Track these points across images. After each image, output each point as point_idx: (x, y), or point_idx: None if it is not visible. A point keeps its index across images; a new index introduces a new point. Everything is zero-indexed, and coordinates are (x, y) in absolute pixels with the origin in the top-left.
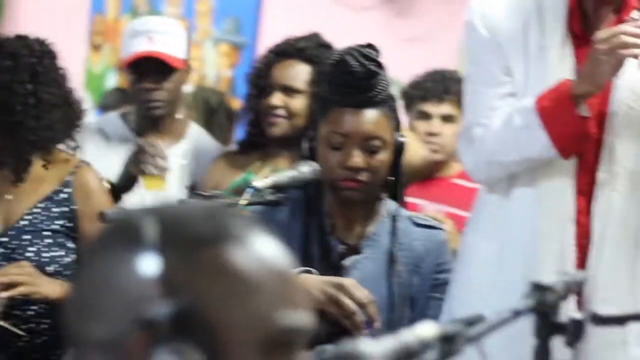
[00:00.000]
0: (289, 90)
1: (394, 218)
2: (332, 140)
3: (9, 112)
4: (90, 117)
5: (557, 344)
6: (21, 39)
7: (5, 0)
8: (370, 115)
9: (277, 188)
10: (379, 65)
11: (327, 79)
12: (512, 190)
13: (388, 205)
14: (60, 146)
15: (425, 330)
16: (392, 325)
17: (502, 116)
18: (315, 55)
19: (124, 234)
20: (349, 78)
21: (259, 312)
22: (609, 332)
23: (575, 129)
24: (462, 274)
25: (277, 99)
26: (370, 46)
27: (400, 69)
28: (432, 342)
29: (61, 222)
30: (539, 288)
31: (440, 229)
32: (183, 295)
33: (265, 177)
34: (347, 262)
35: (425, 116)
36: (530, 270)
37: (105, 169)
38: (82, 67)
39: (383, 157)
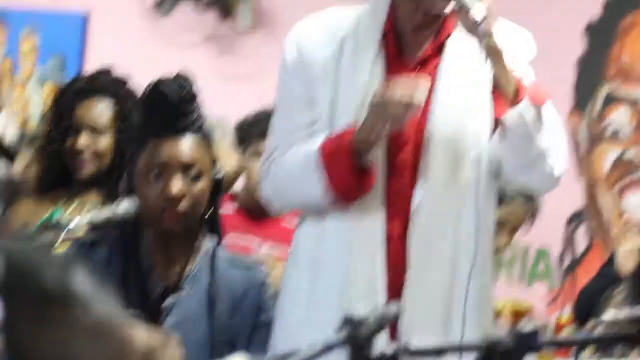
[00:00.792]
0: (94, 130)
1: (213, 257)
2: (151, 170)
3: None
4: None
5: None
6: None
7: None
8: (188, 142)
9: (93, 227)
10: (194, 92)
11: (141, 109)
12: (325, 222)
13: (208, 243)
14: None
15: None
16: None
17: (294, 155)
18: (116, 91)
19: None
20: (164, 105)
21: None
22: None
23: (353, 179)
24: (281, 310)
25: (83, 140)
26: (182, 76)
27: (226, 107)
28: None
29: None
30: (351, 321)
31: (259, 270)
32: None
33: (76, 214)
34: (167, 302)
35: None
36: (343, 304)
37: None
38: None
39: (202, 185)
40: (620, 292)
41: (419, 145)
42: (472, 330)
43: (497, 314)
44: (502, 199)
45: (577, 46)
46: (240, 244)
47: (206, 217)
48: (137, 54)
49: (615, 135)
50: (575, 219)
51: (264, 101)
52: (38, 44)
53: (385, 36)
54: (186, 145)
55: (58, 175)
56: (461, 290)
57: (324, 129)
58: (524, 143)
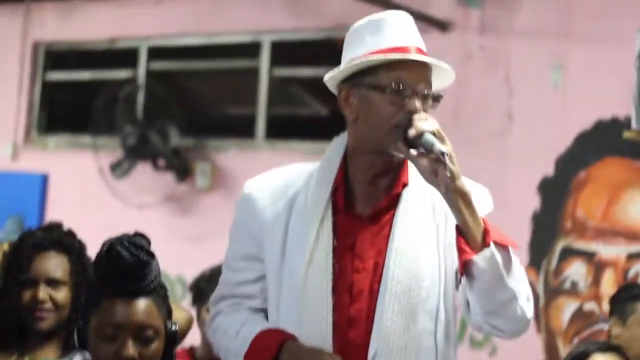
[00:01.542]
0: (52, 283)
1: None
2: (105, 331)
3: None
4: None
5: None
6: None
7: None
8: (143, 304)
9: None
10: (149, 253)
11: (96, 269)
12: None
13: None
14: None
15: None
16: None
17: (233, 327)
18: (70, 244)
19: None
20: (119, 268)
21: None
22: None
23: None
24: None
25: (43, 292)
26: (139, 235)
27: (185, 266)
28: None
29: None
30: None
31: None
32: None
33: None
34: None
35: None
36: None
37: None
38: None
39: (156, 346)
40: None
41: (374, 296)
42: None
43: None
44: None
45: (531, 202)
46: None
47: None
48: (96, 214)
49: (573, 288)
50: None
51: (222, 259)
52: None
53: (335, 191)
54: (140, 308)
55: (11, 330)
56: None
57: (272, 285)
58: (495, 286)
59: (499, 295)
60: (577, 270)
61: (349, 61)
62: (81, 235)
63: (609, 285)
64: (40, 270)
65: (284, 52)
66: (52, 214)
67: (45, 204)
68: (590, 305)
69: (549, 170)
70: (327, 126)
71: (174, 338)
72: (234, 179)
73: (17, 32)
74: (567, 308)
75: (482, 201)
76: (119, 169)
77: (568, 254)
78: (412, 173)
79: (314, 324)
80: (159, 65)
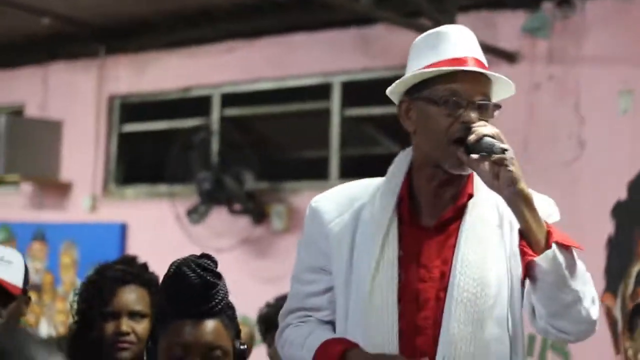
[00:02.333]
0: (134, 315)
1: None
2: (174, 352)
3: None
4: None
5: None
6: None
7: None
8: (211, 325)
9: None
10: (216, 275)
11: (164, 290)
12: None
13: None
14: None
15: None
16: None
17: (300, 339)
18: (148, 277)
19: None
20: (187, 290)
21: None
22: None
23: None
24: None
25: (125, 325)
26: (206, 256)
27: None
28: None
29: None
30: None
31: None
32: None
33: None
34: None
35: None
36: None
37: None
38: None
39: None
40: None
41: (441, 304)
42: None
43: None
44: None
45: (605, 228)
46: None
47: None
48: (174, 259)
49: None
50: None
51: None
52: (78, 256)
53: (400, 203)
54: (208, 328)
55: None
56: None
57: (340, 295)
58: (558, 287)
59: (563, 296)
60: None
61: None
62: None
63: None
64: (122, 303)
65: (355, 92)
66: None
67: (124, 252)
68: None
69: (622, 194)
70: None
71: (242, 358)
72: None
73: (92, 87)
74: None
75: (547, 208)
76: (195, 214)
77: None
78: (478, 184)
79: (380, 333)
80: (232, 111)
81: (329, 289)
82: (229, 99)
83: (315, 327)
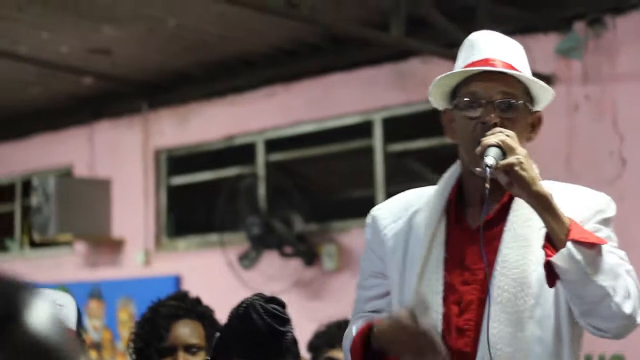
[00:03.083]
0: (190, 349)
1: None
2: None
3: None
4: None
5: None
6: None
7: None
8: None
9: None
10: (283, 321)
11: (229, 328)
12: None
13: None
14: None
15: None
16: None
17: (353, 328)
18: (202, 311)
19: None
20: (252, 334)
21: None
22: None
23: None
24: None
25: (182, 358)
26: (275, 300)
27: None
28: None
29: None
30: None
31: None
32: None
33: None
34: None
35: None
36: None
37: None
38: None
39: None
40: None
41: (483, 307)
42: None
43: None
44: None
45: None
46: None
47: None
48: (228, 306)
49: None
50: None
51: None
52: (134, 311)
53: (449, 206)
54: None
55: None
56: None
57: (394, 297)
58: (581, 285)
59: (588, 294)
60: None
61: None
62: None
63: None
64: (178, 338)
65: (396, 127)
66: None
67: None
68: None
69: None
70: None
71: None
72: (359, 258)
73: (137, 142)
74: None
75: (593, 205)
76: (246, 260)
77: None
78: None
79: None
80: (277, 156)
81: (388, 293)
82: (272, 144)
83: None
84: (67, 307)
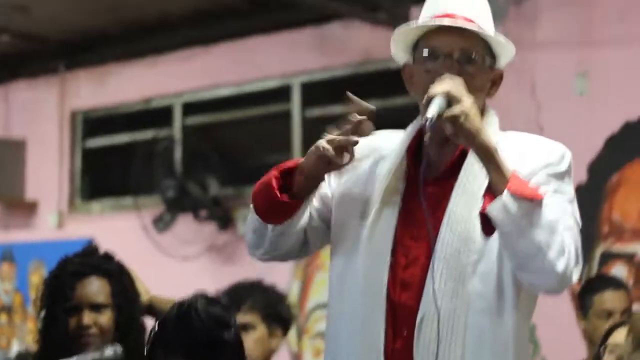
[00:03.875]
0: (96, 307)
1: None
2: None
3: None
4: None
5: None
6: None
7: None
8: None
9: None
10: (224, 324)
11: (164, 330)
12: (331, 323)
13: None
14: None
15: None
16: None
17: None
18: (108, 268)
19: None
20: (190, 337)
21: None
22: None
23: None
24: None
25: (87, 318)
26: (216, 302)
27: None
28: None
29: None
30: None
31: None
32: None
33: None
34: None
35: None
36: None
37: None
38: None
39: None
40: None
41: (429, 260)
42: None
43: None
44: None
45: None
46: None
47: None
48: (142, 269)
49: None
50: None
51: None
52: (46, 274)
53: (409, 157)
54: None
55: (61, 357)
56: None
57: (348, 240)
58: (515, 237)
59: (521, 247)
60: (618, 273)
61: None
62: None
63: None
64: (83, 296)
65: (315, 92)
66: None
67: None
68: (635, 307)
69: (582, 177)
70: None
71: None
72: None
73: (54, 103)
74: None
75: (545, 156)
76: (161, 223)
77: (608, 258)
78: None
79: (371, 284)
80: (194, 119)
81: (321, 200)
82: (190, 107)
83: None
84: None
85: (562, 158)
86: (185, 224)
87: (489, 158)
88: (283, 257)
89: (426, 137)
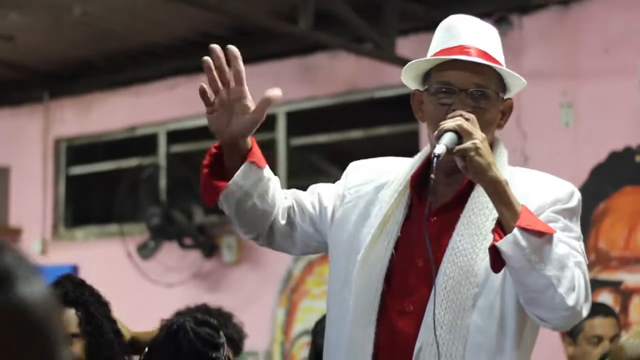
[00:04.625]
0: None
1: None
2: None
3: None
4: None
5: None
6: None
7: None
8: None
9: None
10: (213, 346)
11: (158, 350)
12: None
13: None
14: None
15: None
16: None
17: None
18: (76, 296)
19: None
20: (179, 354)
21: None
22: None
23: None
24: None
25: None
26: (207, 323)
27: None
28: None
29: None
30: None
31: None
32: None
33: None
34: None
35: None
36: None
37: None
38: None
39: None
40: None
41: (429, 290)
42: None
43: None
44: None
45: None
46: None
47: None
48: (126, 296)
49: None
50: None
51: (251, 331)
52: None
53: (414, 185)
54: None
55: None
56: None
57: (342, 258)
58: (526, 273)
59: (532, 282)
60: (604, 301)
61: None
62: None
63: (637, 312)
64: None
65: (300, 121)
66: None
67: None
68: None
69: None
70: None
71: None
72: (260, 251)
73: (38, 131)
74: None
75: (555, 194)
76: (145, 250)
77: (594, 285)
78: None
79: (362, 312)
80: (178, 147)
81: (319, 207)
82: (174, 136)
83: None
84: None
85: (572, 196)
86: (170, 251)
87: (499, 192)
88: (266, 240)
89: (432, 175)
